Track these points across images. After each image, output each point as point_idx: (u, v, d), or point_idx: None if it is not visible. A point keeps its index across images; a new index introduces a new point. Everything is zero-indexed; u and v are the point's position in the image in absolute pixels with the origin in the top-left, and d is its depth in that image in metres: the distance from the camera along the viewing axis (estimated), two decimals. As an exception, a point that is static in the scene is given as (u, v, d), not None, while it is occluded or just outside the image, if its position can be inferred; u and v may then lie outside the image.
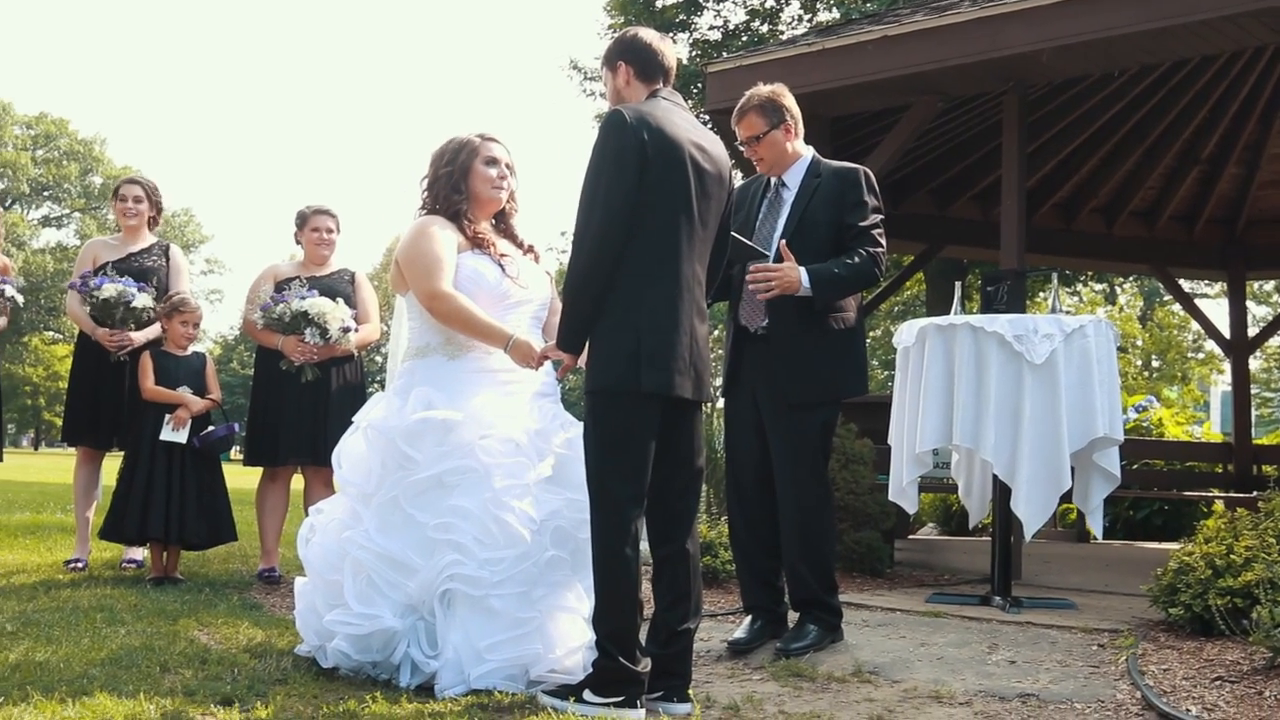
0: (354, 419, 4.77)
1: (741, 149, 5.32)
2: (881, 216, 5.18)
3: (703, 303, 4.25)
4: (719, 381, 5.64)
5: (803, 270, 4.92)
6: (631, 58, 4.34)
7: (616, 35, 4.49)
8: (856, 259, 5.00)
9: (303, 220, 7.08)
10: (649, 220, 4.06)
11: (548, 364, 4.59)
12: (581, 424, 4.81)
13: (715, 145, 4.33)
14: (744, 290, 5.15)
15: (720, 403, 5.64)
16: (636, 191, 4.02)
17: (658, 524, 4.20)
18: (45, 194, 62.35)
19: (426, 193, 4.85)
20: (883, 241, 5.12)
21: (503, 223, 4.95)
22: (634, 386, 4.01)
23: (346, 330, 6.72)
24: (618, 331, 4.05)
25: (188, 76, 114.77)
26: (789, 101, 5.25)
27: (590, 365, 4.13)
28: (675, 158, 4.10)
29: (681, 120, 4.22)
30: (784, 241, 4.99)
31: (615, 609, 4.02)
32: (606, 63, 4.43)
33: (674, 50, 4.43)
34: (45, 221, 63.07)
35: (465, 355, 4.63)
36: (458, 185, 4.77)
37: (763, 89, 5.25)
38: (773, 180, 5.30)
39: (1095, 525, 6.00)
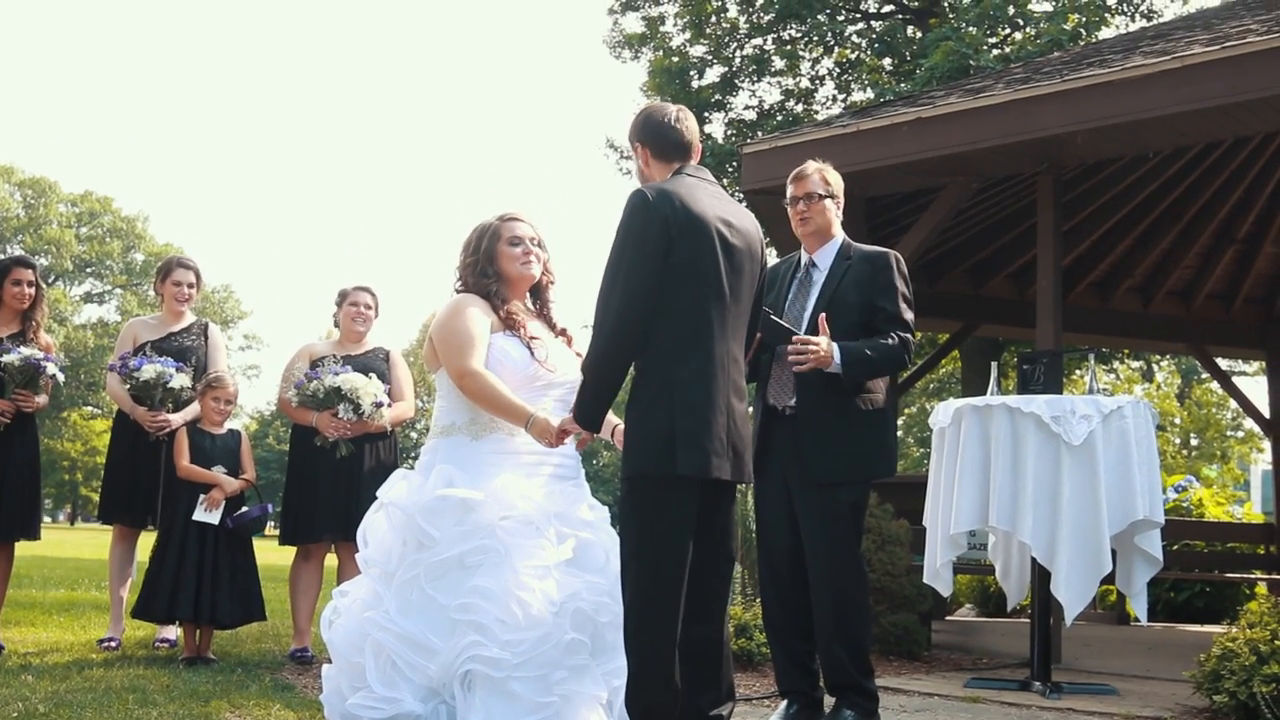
0: (378, 494, 4.77)
1: (793, 207, 5.31)
2: (909, 299, 5.17)
3: (740, 380, 4.21)
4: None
5: (836, 347, 4.92)
6: (647, 138, 4.33)
7: (637, 113, 4.45)
8: (889, 341, 5.00)
9: (342, 297, 7.16)
10: (677, 299, 4.04)
11: (570, 446, 4.57)
12: (603, 507, 4.80)
13: (744, 219, 4.29)
14: (772, 369, 5.15)
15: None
16: (658, 272, 4.00)
17: (689, 605, 4.11)
18: (88, 270, 63.09)
19: (459, 280, 4.89)
20: (911, 321, 5.11)
21: (538, 300, 4.96)
22: (669, 469, 3.97)
23: (379, 405, 6.75)
24: (651, 413, 4.03)
25: (228, 155, 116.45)
26: (842, 185, 5.33)
27: (626, 450, 4.10)
28: (701, 235, 4.07)
29: (706, 196, 4.17)
30: (824, 315, 4.98)
31: (650, 691, 3.97)
32: (630, 143, 4.44)
33: (693, 123, 4.37)
34: (87, 298, 63.77)
35: (488, 436, 4.62)
36: (485, 270, 4.78)
37: (826, 163, 5.34)
38: (803, 261, 5.31)
39: (1139, 609, 5.91)
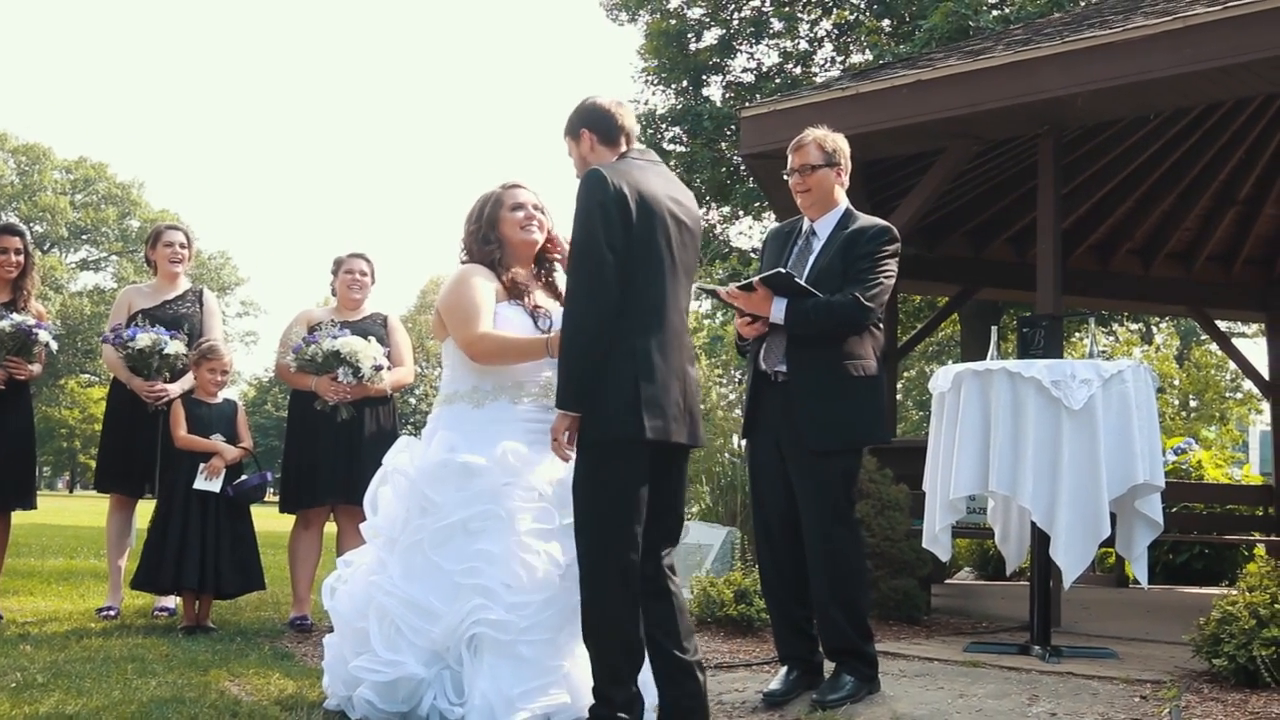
0: (383, 461, 4.81)
1: (790, 178, 5.30)
2: (886, 271, 5.10)
3: (691, 348, 4.31)
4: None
5: (778, 300, 4.97)
6: (592, 124, 4.40)
7: (576, 105, 4.52)
8: (837, 298, 4.98)
9: (338, 266, 7.14)
10: (636, 272, 4.11)
11: None
12: None
13: (687, 196, 4.42)
14: (766, 337, 5.13)
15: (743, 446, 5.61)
16: (623, 243, 4.07)
17: (645, 570, 4.18)
18: (83, 237, 62.94)
19: (463, 250, 4.91)
20: (876, 291, 5.02)
21: (543, 268, 4.97)
22: (637, 435, 4.02)
23: (379, 368, 6.72)
24: (614, 382, 4.05)
25: (224, 120, 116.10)
26: (847, 150, 5.31)
27: (586, 417, 4.09)
28: (655, 211, 4.17)
29: (654, 177, 4.28)
30: (771, 273, 5.01)
31: (612, 657, 4.05)
32: (569, 133, 4.48)
33: (632, 112, 4.51)
34: (83, 265, 63.65)
35: (489, 404, 4.65)
36: (487, 237, 4.82)
37: (827, 130, 5.30)
38: (804, 228, 5.29)
39: (1140, 573, 5.90)
